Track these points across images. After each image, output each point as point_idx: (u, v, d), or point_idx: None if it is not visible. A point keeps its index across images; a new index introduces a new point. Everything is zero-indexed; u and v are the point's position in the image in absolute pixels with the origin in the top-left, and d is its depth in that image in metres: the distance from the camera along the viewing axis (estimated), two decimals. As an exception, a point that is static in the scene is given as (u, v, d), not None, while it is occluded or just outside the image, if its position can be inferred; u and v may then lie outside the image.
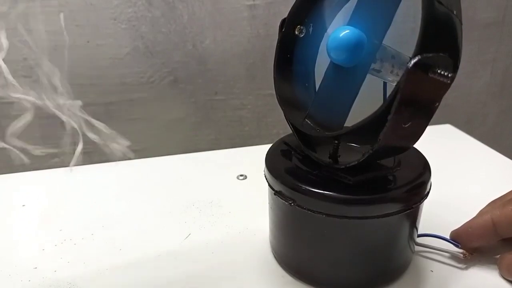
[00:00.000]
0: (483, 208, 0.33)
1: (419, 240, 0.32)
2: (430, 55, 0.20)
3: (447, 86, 0.21)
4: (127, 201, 0.41)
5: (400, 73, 0.25)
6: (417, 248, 0.32)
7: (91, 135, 0.30)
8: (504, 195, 0.32)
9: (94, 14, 0.53)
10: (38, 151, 0.30)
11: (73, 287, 0.29)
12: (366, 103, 0.26)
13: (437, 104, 0.23)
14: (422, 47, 0.20)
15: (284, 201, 0.27)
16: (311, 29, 0.29)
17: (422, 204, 0.27)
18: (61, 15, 0.52)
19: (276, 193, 0.27)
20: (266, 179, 0.29)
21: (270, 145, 0.32)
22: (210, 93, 0.61)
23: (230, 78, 0.61)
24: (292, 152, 0.30)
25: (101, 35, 0.54)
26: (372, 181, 0.26)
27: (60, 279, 0.30)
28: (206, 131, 0.64)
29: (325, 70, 0.28)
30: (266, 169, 0.29)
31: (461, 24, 0.23)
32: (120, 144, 0.30)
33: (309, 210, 0.25)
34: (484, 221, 0.30)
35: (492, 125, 0.79)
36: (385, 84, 0.27)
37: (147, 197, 0.41)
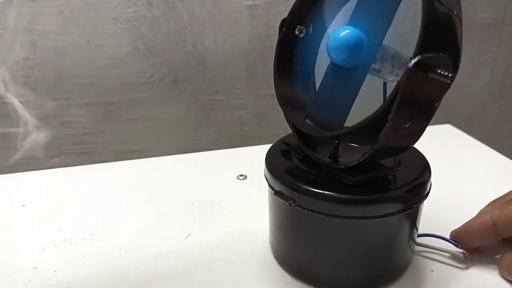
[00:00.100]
0: (483, 208, 0.33)
1: (419, 240, 0.32)
2: (430, 55, 0.20)
3: (447, 86, 0.21)
4: (127, 201, 0.41)
5: (400, 73, 0.25)
6: (417, 248, 0.32)
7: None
8: (504, 195, 0.32)
9: (94, 14, 0.53)
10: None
11: (73, 287, 0.29)
12: (366, 103, 0.26)
13: (437, 104, 0.23)
14: (422, 47, 0.20)
15: (284, 201, 0.27)
16: (311, 29, 0.29)
17: (422, 204, 0.27)
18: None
19: (276, 193, 0.27)
20: (266, 179, 0.29)
21: (270, 145, 0.32)
22: (210, 93, 0.61)
23: (230, 78, 0.61)
24: (292, 152, 0.30)
25: (101, 35, 0.54)
26: (372, 181, 0.26)
27: (60, 279, 0.30)
28: (206, 131, 0.64)
29: (325, 70, 0.28)
30: (266, 169, 0.29)
31: (461, 24, 0.23)
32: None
33: (309, 210, 0.25)
34: (484, 221, 0.30)
35: (492, 125, 0.79)
36: (385, 84, 0.27)
37: (147, 197, 0.41)
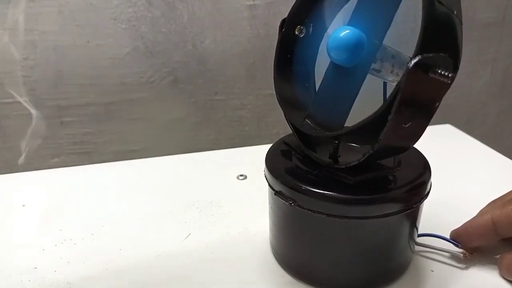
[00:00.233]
0: (483, 208, 0.33)
1: (419, 240, 0.32)
2: (431, 55, 0.20)
3: (448, 86, 0.21)
4: (127, 201, 0.41)
5: (400, 73, 0.25)
6: (417, 248, 0.32)
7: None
8: (504, 195, 0.32)
9: (94, 14, 0.53)
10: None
11: (73, 287, 0.29)
12: (366, 103, 0.26)
13: (437, 104, 0.23)
14: (422, 47, 0.20)
15: (284, 201, 0.27)
16: (311, 29, 0.29)
17: (422, 204, 0.27)
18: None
19: (277, 193, 0.27)
20: (266, 179, 0.29)
21: (270, 145, 0.32)
22: (210, 93, 0.61)
23: (230, 78, 0.61)
24: (292, 152, 0.30)
25: (101, 35, 0.54)
26: (372, 181, 0.26)
27: (60, 279, 0.30)
28: (206, 131, 0.64)
29: (325, 70, 0.28)
30: (266, 169, 0.29)
31: (461, 24, 0.23)
32: None
33: (309, 210, 0.25)
34: (484, 221, 0.30)
35: (492, 125, 0.79)
36: (385, 84, 0.27)
37: (147, 197, 0.41)
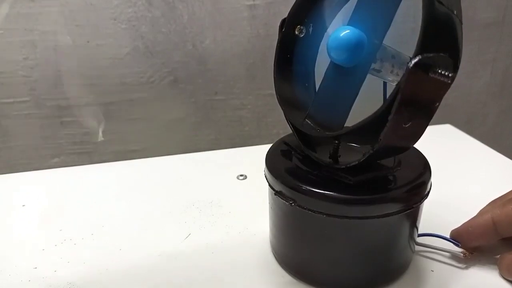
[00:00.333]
0: (483, 208, 0.33)
1: (420, 240, 0.32)
2: (431, 55, 0.20)
3: (448, 86, 0.21)
4: (127, 201, 0.41)
5: (400, 73, 0.25)
6: (417, 248, 0.32)
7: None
8: (505, 194, 0.32)
9: (94, 14, 0.53)
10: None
11: (73, 287, 0.29)
12: (366, 103, 0.26)
13: (437, 104, 0.23)
14: (422, 47, 0.20)
15: (284, 201, 0.27)
16: (311, 29, 0.29)
17: (422, 204, 0.27)
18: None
19: (277, 193, 0.27)
20: (267, 179, 0.29)
21: (270, 145, 0.32)
22: (210, 93, 0.61)
23: (230, 78, 0.61)
24: (292, 152, 0.30)
25: (101, 35, 0.54)
26: (372, 181, 0.26)
27: (60, 279, 0.30)
28: (206, 131, 0.64)
29: (325, 70, 0.28)
30: (266, 169, 0.29)
31: (461, 24, 0.23)
32: None
33: (309, 210, 0.25)
34: (485, 220, 0.30)
35: (492, 125, 0.79)
36: (385, 84, 0.27)
37: (147, 197, 0.41)
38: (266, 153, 0.31)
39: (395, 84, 0.21)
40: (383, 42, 0.25)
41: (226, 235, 0.35)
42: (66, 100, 0.57)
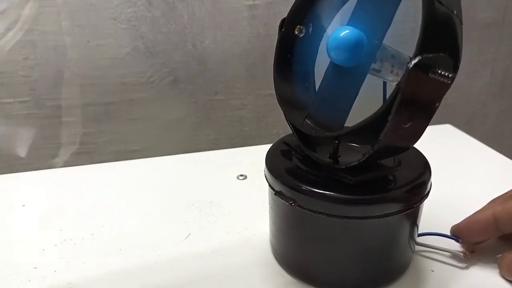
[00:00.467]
0: (484, 206, 0.33)
1: (420, 239, 0.32)
2: (431, 55, 0.20)
3: (448, 86, 0.21)
4: (127, 201, 0.41)
5: (400, 73, 0.25)
6: (417, 247, 0.32)
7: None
8: (506, 192, 0.32)
9: (94, 14, 0.53)
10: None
11: (73, 287, 0.29)
12: (366, 103, 0.26)
13: (437, 104, 0.23)
14: (422, 47, 0.20)
15: (284, 201, 0.27)
16: (310, 29, 0.29)
17: (422, 204, 0.27)
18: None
19: (277, 193, 0.27)
20: (266, 179, 0.29)
21: (270, 145, 0.32)
22: (210, 93, 0.61)
23: (230, 78, 0.61)
24: (292, 152, 0.30)
25: (101, 35, 0.54)
26: (372, 181, 0.26)
27: (60, 279, 0.30)
28: (206, 131, 0.64)
29: (325, 70, 0.28)
30: (266, 169, 0.29)
31: (461, 24, 0.23)
32: None
33: (309, 210, 0.25)
34: (486, 216, 0.30)
35: (492, 125, 0.79)
36: (385, 84, 0.27)
37: (147, 197, 0.41)
38: (266, 153, 0.31)
39: (395, 84, 0.21)
40: (383, 42, 0.25)
41: (226, 235, 0.35)
42: (66, 100, 0.57)
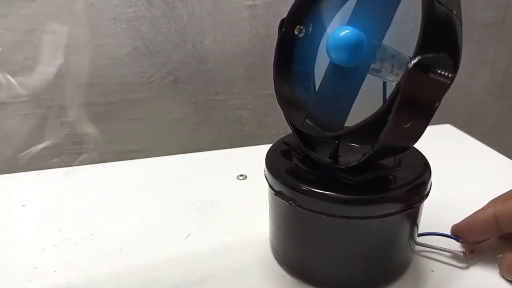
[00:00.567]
0: (485, 206, 0.33)
1: (420, 239, 0.32)
2: (430, 55, 0.20)
3: (447, 86, 0.21)
4: (127, 201, 0.41)
5: (400, 73, 0.25)
6: (417, 247, 0.32)
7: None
8: (506, 192, 0.32)
9: (94, 14, 0.53)
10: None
11: (73, 287, 0.29)
12: (366, 103, 0.26)
13: (437, 104, 0.23)
14: (422, 47, 0.20)
15: (284, 201, 0.27)
16: (310, 29, 0.29)
17: (422, 204, 0.27)
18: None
19: (277, 193, 0.27)
20: (267, 179, 0.29)
21: (270, 145, 0.32)
22: (210, 93, 0.61)
23: (230, 78, 0.61)
24: (292, 152, 0.30)
25: (101, 35, 0.54)
26: (372, 181, 0.26)
27: (60, 279, 0.30)
28: (206, 131, 0.64)
29: (325, 70, 0.28)
30: (266, 169, 0.29)
31: (461, 24, 0.23)
32: None
33: (309, 210, 0.25)
34: (486, 215, 0.30)
35: (492, 125, 0.79)
36: (385, 84, 0.27)
37: (147, 197, 0.41)
38: (266, 153, 0.31)
39: (395, 84, 0.21)
40: (383, 42, 0.25)
41: (226, 235, 0.35)
42: (66, 100, 0.57)
